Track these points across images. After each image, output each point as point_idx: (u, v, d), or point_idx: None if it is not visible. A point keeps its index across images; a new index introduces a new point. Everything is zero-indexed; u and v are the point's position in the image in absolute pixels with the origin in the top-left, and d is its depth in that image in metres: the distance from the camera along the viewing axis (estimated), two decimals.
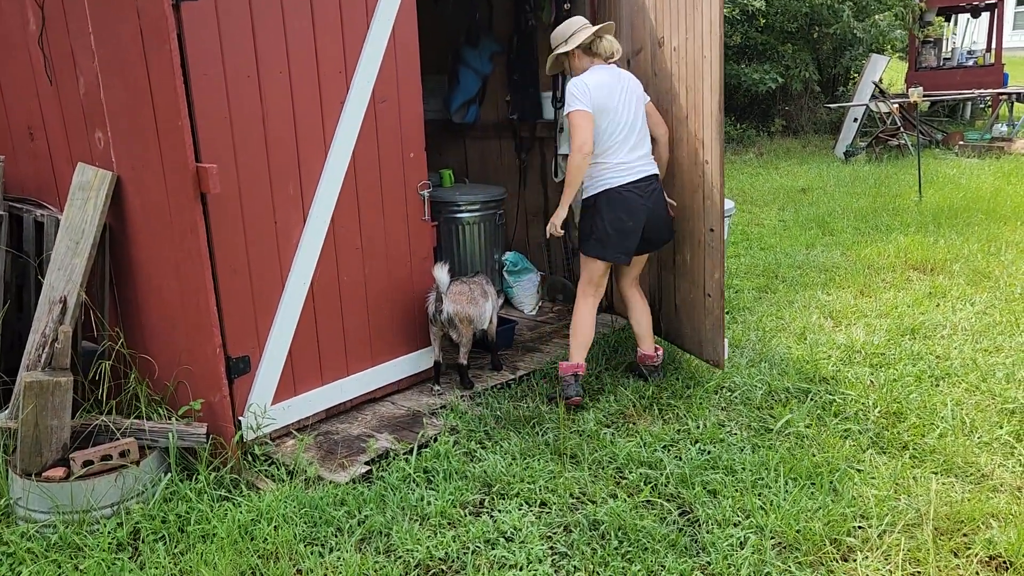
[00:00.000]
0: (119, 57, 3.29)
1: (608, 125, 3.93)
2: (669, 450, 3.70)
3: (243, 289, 3.53)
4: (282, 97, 3.55)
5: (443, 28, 5.89)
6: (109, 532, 3.09)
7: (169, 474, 3.33)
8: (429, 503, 3.29)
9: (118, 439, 3.30)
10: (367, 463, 3.57)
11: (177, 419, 3.43)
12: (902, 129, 12.11)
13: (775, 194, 9.92)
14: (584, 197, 4.10)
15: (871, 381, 4.35)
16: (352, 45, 3.78)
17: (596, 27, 4.00)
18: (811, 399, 4.13)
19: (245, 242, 3.51)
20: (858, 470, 3.48)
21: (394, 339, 4.21)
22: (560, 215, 4.00)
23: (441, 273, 4.00)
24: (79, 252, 3.47)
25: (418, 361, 4.33)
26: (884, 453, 3.62)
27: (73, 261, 3.47)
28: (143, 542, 3.08)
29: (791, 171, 11.57)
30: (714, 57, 3.83)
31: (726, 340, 4.19)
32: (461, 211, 5.28)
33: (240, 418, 3.58)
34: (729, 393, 4.25)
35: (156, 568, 2.94)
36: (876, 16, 15.07)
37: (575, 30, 4.00)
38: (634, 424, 3.96)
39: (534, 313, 5.59)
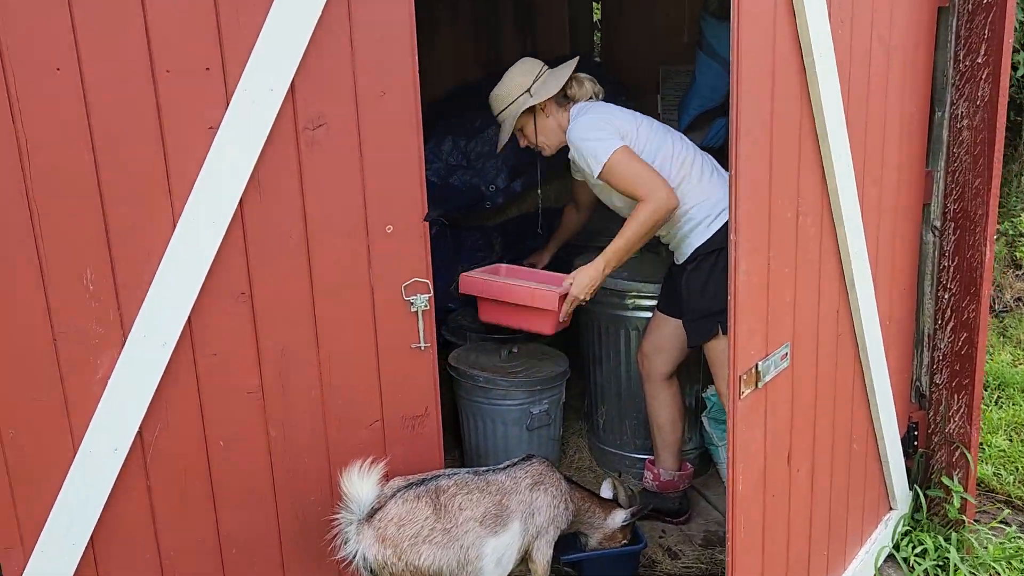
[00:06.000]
0: None
1: (660, 147, 2.78)
2: None
3: None
4: (63, 115, 1.90)
5: None
6: None
7: None
8: None
9: None
10: None
11: None
12: None
13: None
14: (699, 246, 2.77)
15: None
16: (237, 16, 1.94)
17: (566, 64, 2.83)
18: None
19: None
20: None
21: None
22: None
23: (356, 483, 1.98)
24: None
25: None
26: None
27: None
28: None
29: None
30: None
31: None
32: (628, 306, 3.04)
33: None
34: None
35: None
36: None
37: (538, 73, 2.83)
38: None
39: None
